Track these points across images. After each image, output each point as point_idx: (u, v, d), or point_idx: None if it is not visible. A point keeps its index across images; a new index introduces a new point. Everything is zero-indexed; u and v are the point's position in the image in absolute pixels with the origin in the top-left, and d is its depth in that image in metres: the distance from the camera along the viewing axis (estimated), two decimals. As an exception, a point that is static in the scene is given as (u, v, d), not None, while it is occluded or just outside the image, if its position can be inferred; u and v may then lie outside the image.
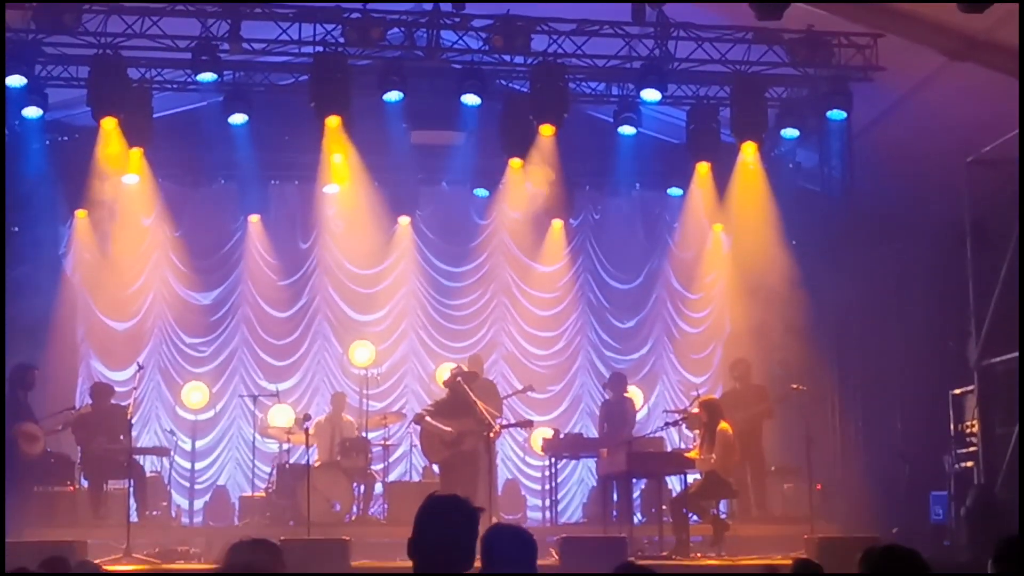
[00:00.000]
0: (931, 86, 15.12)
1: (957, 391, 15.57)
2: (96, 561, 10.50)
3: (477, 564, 4.47)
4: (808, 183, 18.01)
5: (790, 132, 17.22)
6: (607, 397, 17.36)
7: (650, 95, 16.47)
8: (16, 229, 16.50)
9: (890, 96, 16.13)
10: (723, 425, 13.96)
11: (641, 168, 18.12)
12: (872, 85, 16.09)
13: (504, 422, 15.31)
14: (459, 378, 14.36)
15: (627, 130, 17.14)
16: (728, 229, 18.45)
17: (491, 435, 14.10)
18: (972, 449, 15.03)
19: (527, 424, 15.90)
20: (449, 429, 13.93)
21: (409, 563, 4.46)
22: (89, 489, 15.19)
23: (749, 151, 17.08)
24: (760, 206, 17.32)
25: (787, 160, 18.16)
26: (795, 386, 15.47)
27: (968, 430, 15.23)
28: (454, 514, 4.40)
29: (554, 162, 17.30)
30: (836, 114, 16.53)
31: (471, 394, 13.93)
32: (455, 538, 4.33)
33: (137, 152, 16.64)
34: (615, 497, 15.33)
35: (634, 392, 18.30)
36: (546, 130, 16.70)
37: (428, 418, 14.32)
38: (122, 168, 16.78)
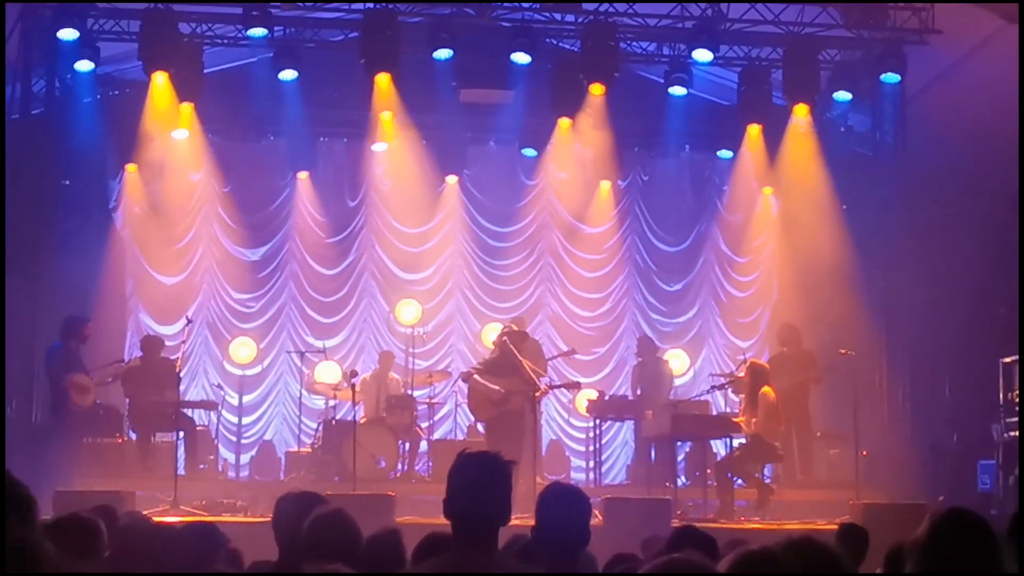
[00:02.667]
0: (986, 50, 14.91)
1: (1008, 359, 15.39)
2: (145, 512, 10.60)
3: (515, 520, 4.46)
4: (860, 147, 17.85)
5: (843, 95, 17.06)
6: (638, 360, 17.30)
7: (702, 55, 16.36)
8: (67, 183, 16.63)
9: (945, 60, 15.93)
10: (766, 389, 13.87)
11: (691, 130, 18.03)
12: (927, 48, 15.89)
13: (549, 382, 15.27)
14: (506, 338, 14.33)
15: (678, 91, 17.03)
16: (778, 192, 18.31)
17: (537, 395, 14.07)
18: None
19: (575, 386, 15.85)
20: (497, 388, 13.91)
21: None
22: (137, 441, 15.35)
23: (801, 114, 16.95)
24: (811, 170, 17.19)
25: (839, 123, 18.00)
26: (843, 351, 15.35)
27: (1018, 399, 15.05)
28: (485, 470, 4.37)
29: (603, 122, 17.21)
30: (890, 77, 16.37)
31: (518, 355, 13.89)
32: (488, 493, 4.30)
33: (187, 107, 16.68)
34: (653, 458, 15.37)
35: (679, 355, 18.25)
36: (596, 90, 16.63)
37: (476, 376, 14.29)
38: (172, 123, 16.85)
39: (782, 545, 3.80)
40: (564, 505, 5.03)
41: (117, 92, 17.23)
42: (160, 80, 16.09)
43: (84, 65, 16.00)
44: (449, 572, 4.15)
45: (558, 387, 15.91)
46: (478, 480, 4.31)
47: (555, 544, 4.89)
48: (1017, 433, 14.76)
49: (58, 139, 16.28)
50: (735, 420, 14.15)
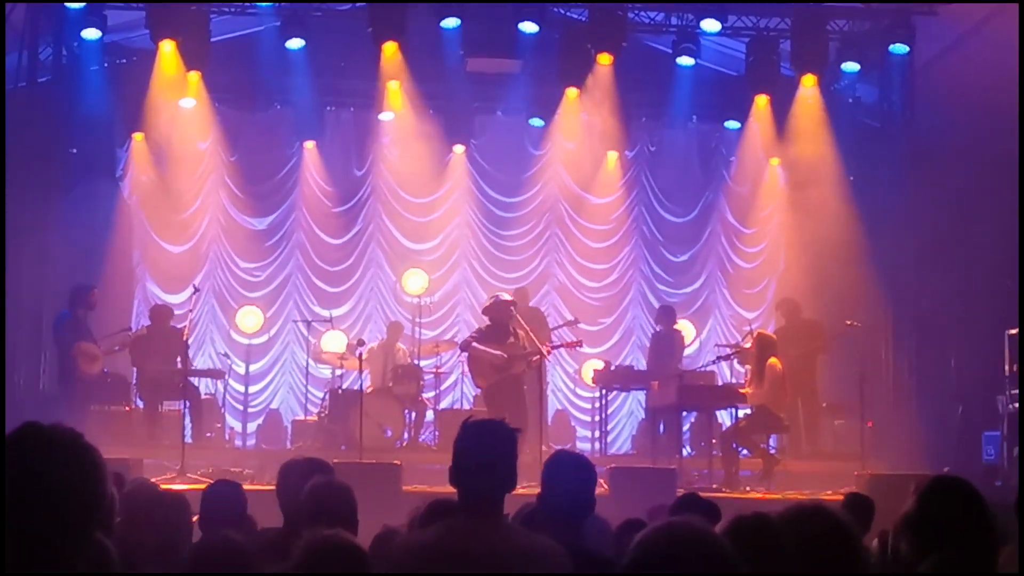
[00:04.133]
0: (995, 21, 14.85)
1: (1012, 331, 15.38)
2: (153, 480, 10.65)
3: (521, 489, 4.48)
4: (868, 118, 17.81)
5: (851, 66, 17.02)
6: (657, 329, 17.31)
7: (710, 26, 16.31)
8: (74, 151, 16.65)
9: (953, 31, 15.87)
10: (772, 360, 13.90)
11: (698, 100, 18.00)
12: (935, 19, 15.82)
13: (549, 345, 15.24)
14: (498, 303, 14.38)
15: (685, 61, 17.00)
16: (785, 164, 18.26)
17: (540, 358, 14.09)
18: (1027, 390, 14.88)
19: (576, 344, 15.77)
20: (499, 352, 13.93)
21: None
22: (144, 410, 15.40)
23: (809, 84, 16.90)
24: (818, 141, 17.15)
25: (847, 94, 17.95)
26: (849, 322, 15.36)
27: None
28: (491, 437, 4.38)
29: (611, 93, 17.17)
30: (898, 48, 16.32)
31: (517, 318, 13.96)
32: (494, 461, 4.31)
33: (194, 75, 16.66)
34: (662, 429, 15.40)
35: (685, 326, 18.27)
36: (603, 59, 16.59)
37: (475, 343, 14.32)
38: (179, 92, 16.84)
39: (790, 512, 3.82)
40: (570, 473, 5.06)
41: (124, 60, 17.21)
42: (167, 48, 16.08)
43: (91, 33, 16.00)
44: (455, 537, 4.18)
45: (561, 346, 15.90)
46: (484, 448, 4.33)
47: (561, 512, 4.92)
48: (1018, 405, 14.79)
49: (65, 107, 16.29)
50: (741, 391, 14.18)
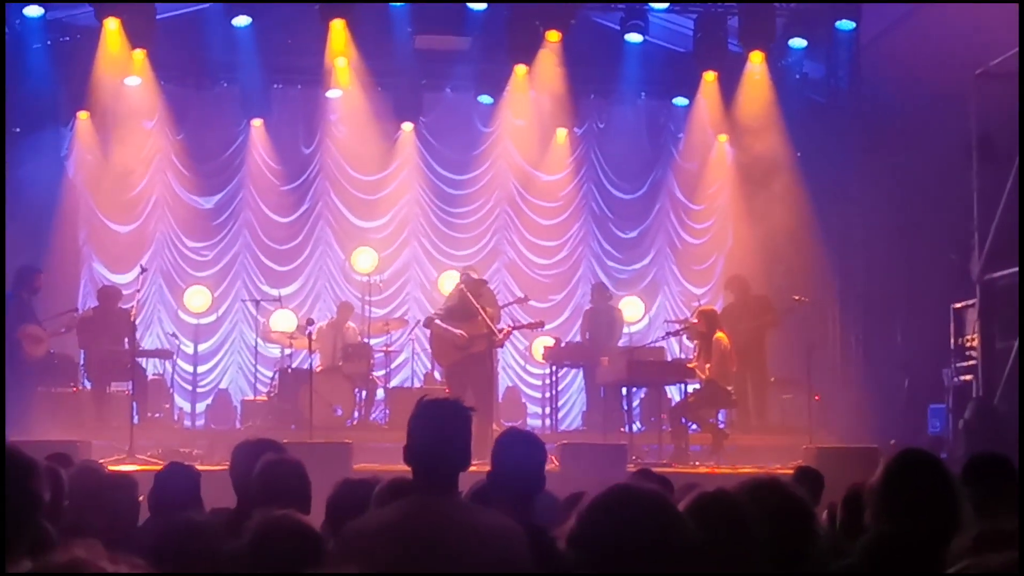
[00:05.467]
0: (940, -3, 14.95)
1: (958, 305, 15.56)
2: (101, 461, 10.58)
3: (474, 467, 4.49)
4: (815, 94, 17.90)
5: (798, 42, 17.10)
6: (589, 306, 17.38)
7: (658, 2, 16.29)
8: (17, 130, 16.45)
9: (899, 7, 15.95)
10: (719, 335, 14.00)
11: (647, 77, 18.03)
12: (881, -5, 15.90)
13: (511, 324, 15.23)
14: (463, 285, 14.31)
15: (634, 38, 17.02)
16: (733, 140, 18.33)
17: (499, 339, 14.07)
18: (972, 363, 15.06)
19: (538, 325, 15.75)
20: (460, 332, 13.89)
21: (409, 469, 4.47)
22: (92, 391, 15.27)
23: (756, 61, 16.97)
24: (766, 117, 17.22)
25: (794, 71, 18.01)
26: (797, 297, 15.47)
27: (968, 344, 15.25)
28: (446, 416, 4.40)
29: (559, 69, 17.17)
30: (844, 24, 16.39)
31: (475, 301, 13.88)
32: (448, 439, 4.32)
33: (140, 53, 16.50)
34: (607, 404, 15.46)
35: (634, 302, 18.35)
36: (552, 36, 16.57)
37: (438, 321, 14.24)
38: (124, 70, 16.67)
39: (746, 486, 3.85)
40: (519, 450, 5.08)
41: (68, 38, 17.00)
42: (112, 26, 15.91)
43: (33, 11, 15.82)
44: (410, 516, 4.18)
45: (520, 327, 15.85)
46: (438, 426, 4.34)
47: (511, 489, 4.94)
48: (968, 377, 14.98)
49: (8, 86, 16.06)
50: (689, 366, 14.26)
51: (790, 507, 3.74)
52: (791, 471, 8.38)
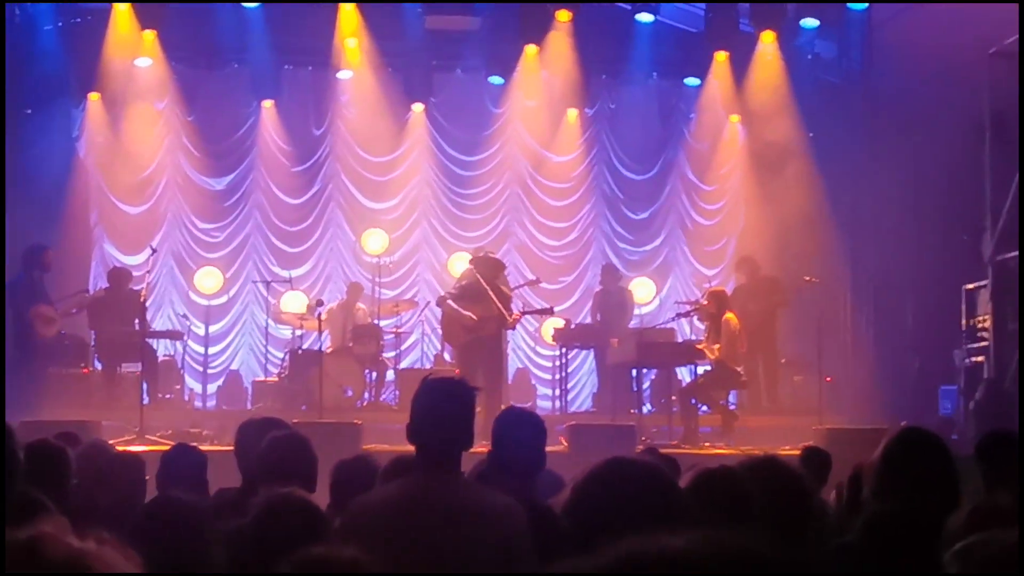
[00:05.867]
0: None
1: (970, 286, 15.52)
2: (111, 441, 10.61)
3: (482, 447, 4.50)
4: (827, 74, 17.83)
5: (810, 22, 17.03)
6: (600, 288, 17.37)
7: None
8: (29, 111, 16.48)
9: (912, -14, 15.88)
10: (728, 315, 13.97)
11: (658, 57, 18.01)
12: (894, -25, 15.82)
13: (522, 308, 15.21)
14: (472, 266, 14.28)
15: (645, 18, 16.99)
16: (745, 120, 18.28)
17: (510, 323, 14.05)
18: (983, 344, 15.03)
19: (548, 311, 15.75)
20: (469, 314, 13.86)
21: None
22: (103, 371, 15.31)
23: (768, 41, 16.92)
24: (778, 97, 17.17)
25: (806, 51, 17.95)
26: (808, 278, 15.45)
27: (980, 325, 15.21)
28: (448, 395, 4.39)
29: (570, 50, 17.13)
30: (857, 4, 16.30)
31: (484, 284, 13.83)
32: (450, 418, 4.31)
33: (150, 34, 16.52)
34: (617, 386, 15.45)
35: (645, 283, 18.31)
36: (562, 16, 16.54)
37: (451, 302, 14.21)
38: (135, 51, 16.68)
39: (744, 465, 3.85)
40: (519, 430, 5.08)
41: (78, 19, 17.01)
42: (122, 7, 15.93)
43: (44, -8, 15.81)
44: (411, 494, 4.18)
45: (531, 312, 15.85)
46: (441, 405, 4.33)
47: (511, 467, 4.94)
48: (979, 358, 14.94)
49: (19, 67, 16.08)
50: (698, 347, 14.24)
51: (789, 485, 3.74)
52: (799, 452, 8.36)
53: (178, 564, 4.06)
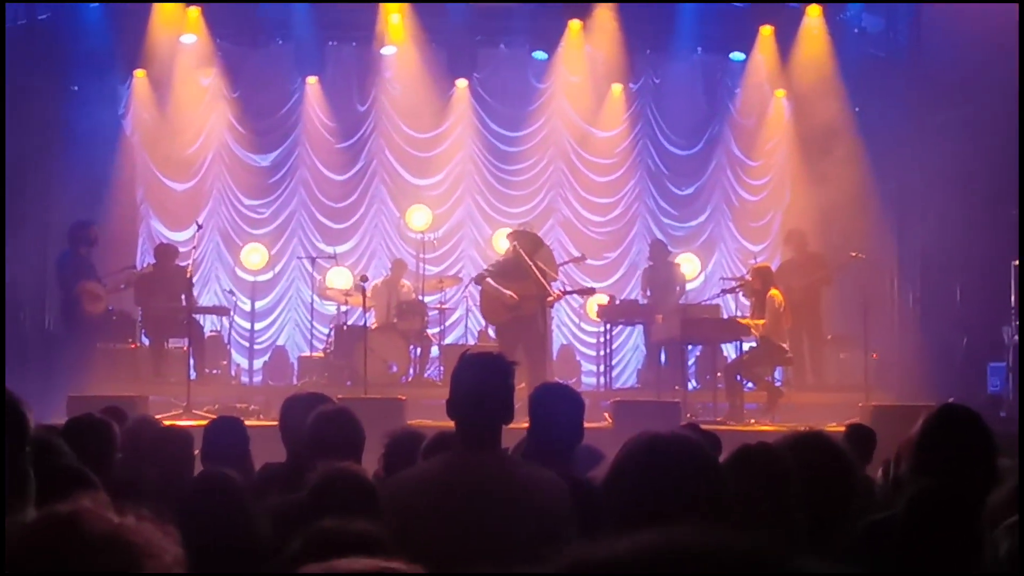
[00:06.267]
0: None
1: (1019, 261, 15.34)
2: (158, 416, 10.71)
3: (525, 424, 4.50)
4: (873, 49, 17.67)
5: (857, -5, 16.88)
6: (648, 264, 17.30)
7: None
8: (76, 88, 16.59)
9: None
10: (773, 292, 13.90)
11: (703, 31, 17.89)
12: (942, -53, 15.64)
13: (563, 287, 15.21)
14: (516, 242, 14.23)
15: (690, -8, 16.86)
16: (790, 95, 18.15)
17: (549, 301, 14.03)
18: (1033, 320, 14.87)
19: (588, 291, 15.74)
20: (510, 293, 13.84)
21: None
22: (150, 347, 15.44)
23: (814, 15, 16.81)
24: (824, 72, 17.04)
25: (852, 25, 17.79)
26: (854, 254, 15.34)
27: (1027, 302, 15.05)
28: (487, 370, 4.39)
29: (615, 24, 17.05)
30: (905, -23, 16.15)
31: (528, 260, 13.79)
32: (488, 392, 4.31)
33: (195, 11, 16.62)
34: (663, 360, 15.41)
35: (690, 259, 18.23)
36: (607, -10, 16.47)
37: (489, 279, 14.17)
38: (179, 27, 16.76)
39: (786, 441, 3.83)
40: (554, 404, 5.08)
41: (124, -4, 17.10)
42: (167, -16, 15.99)
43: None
44: (451, 469, 4.20)
45: (570, 293, 15.79)
46: (479, 380, 4.33)
47: (549, 443, 4.94)
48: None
49: (66, 44, 16.20)
50: (742, 322, 14.18)
51: (831, 462, 3.72)
52: (844, 429, 8.31)
53: (225, 538, 4.09)
